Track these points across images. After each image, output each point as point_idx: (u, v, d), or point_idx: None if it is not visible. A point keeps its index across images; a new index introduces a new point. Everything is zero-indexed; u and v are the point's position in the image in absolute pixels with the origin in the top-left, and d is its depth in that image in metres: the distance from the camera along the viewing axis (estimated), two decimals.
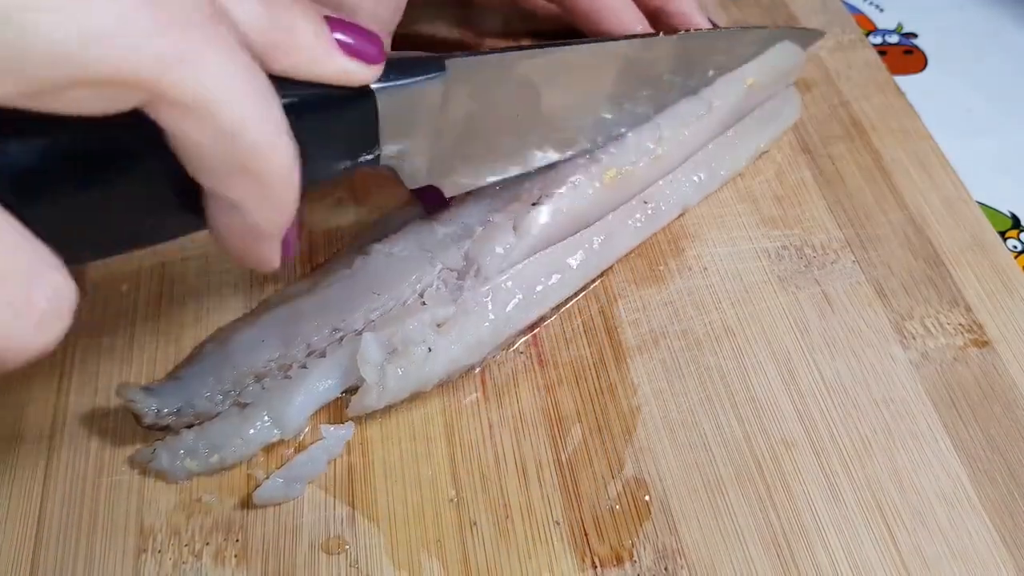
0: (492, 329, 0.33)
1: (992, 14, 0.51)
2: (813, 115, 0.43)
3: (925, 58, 0.49)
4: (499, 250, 0.34)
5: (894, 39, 0.50)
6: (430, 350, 0.32)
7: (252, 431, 0.31)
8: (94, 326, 0.37)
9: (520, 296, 0.34)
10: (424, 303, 0.33)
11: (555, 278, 0.35)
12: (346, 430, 0.33)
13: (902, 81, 0.45)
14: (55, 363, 0.36)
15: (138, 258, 0.39)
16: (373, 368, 0.31)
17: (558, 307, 0.36)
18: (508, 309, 0.34)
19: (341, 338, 0.33)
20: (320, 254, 0.39)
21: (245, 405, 0.32)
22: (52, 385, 0.35)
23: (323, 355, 0.33)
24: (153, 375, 0.35)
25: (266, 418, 0.32)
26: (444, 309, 0.33)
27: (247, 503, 0.32)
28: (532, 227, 0.35)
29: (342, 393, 0.33)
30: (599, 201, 0.36)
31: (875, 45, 0.49)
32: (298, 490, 0.32)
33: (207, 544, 0.31)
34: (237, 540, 0.31)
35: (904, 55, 0.50)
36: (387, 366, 0.31)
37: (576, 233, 0.36)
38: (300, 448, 0.32)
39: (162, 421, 0.32)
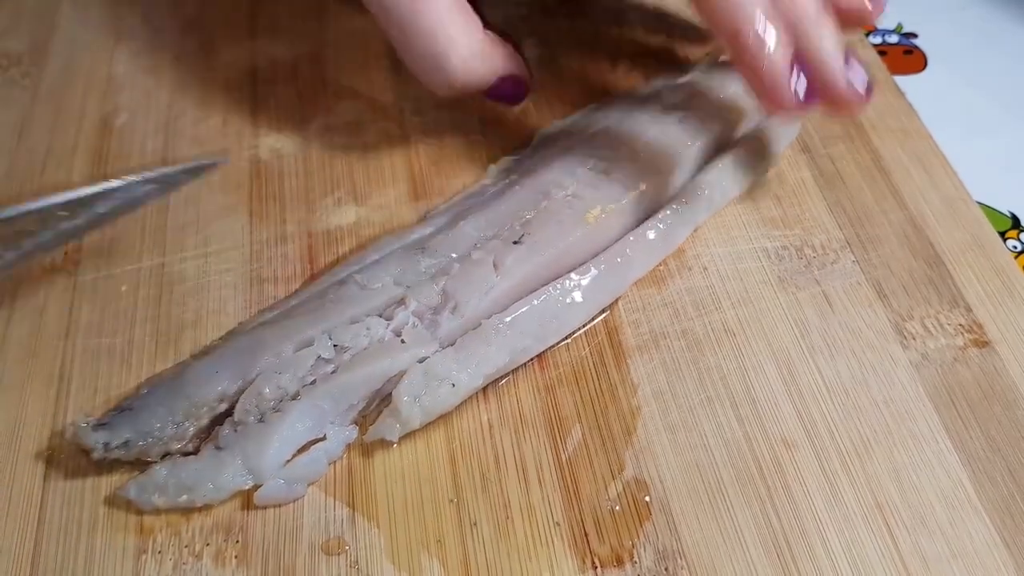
0: (511, 359, 0.33)
1: (992, 14, 0.51)
2: (813, 115, 0.43)
3: (925, 58, 0.49)
4: (478, 289, 0.34)
5: (894, 39, 0.50)
6: (453, 385, 0.32)
7: (225, 477, 0.31)
8: (94, 326, 0.37)
9: (537, 327, 0.34)
10: (403, 341, 0.33)
11: (574, 307, 0.35)
12: (348, 432, 0.33)
13: (902, 81, 0.45)
14: (55, 363, 0.36)
15: (138, 258, 0.39)
16: (409, 404, 0.32)
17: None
18: (527, 343, 0.34)
19: (313, 381, 0.32)
20: (321, 255, 0.39)
21: (220, 448, 0.31)
22: (52, 385, 0.35)
23: (296, 397, 0.32)
24: (152, 375, 0.35)
25: (239, 464, 0.31)
26: (426, 347, 0.33)
27: (247, 504, 0.32)
28: (514, 266, 0.34)
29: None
30: (583, 239, 0.36)
31: (875, 45, 0.49)
32: (299, 491, 0.32)
33: (207, 545, 0.31)
34: (237, 541, 0.31)
35: (904, 55, 0.50)
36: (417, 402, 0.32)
37: (560, 275, 0.35)
38: (301, 449, 0.32)
39: (111, 455, 0.31)
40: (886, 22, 0.51)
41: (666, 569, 0.30)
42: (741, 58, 0.30)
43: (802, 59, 0.30)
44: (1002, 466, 0.32)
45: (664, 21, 0.48)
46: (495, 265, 0.34)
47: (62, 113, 0.45)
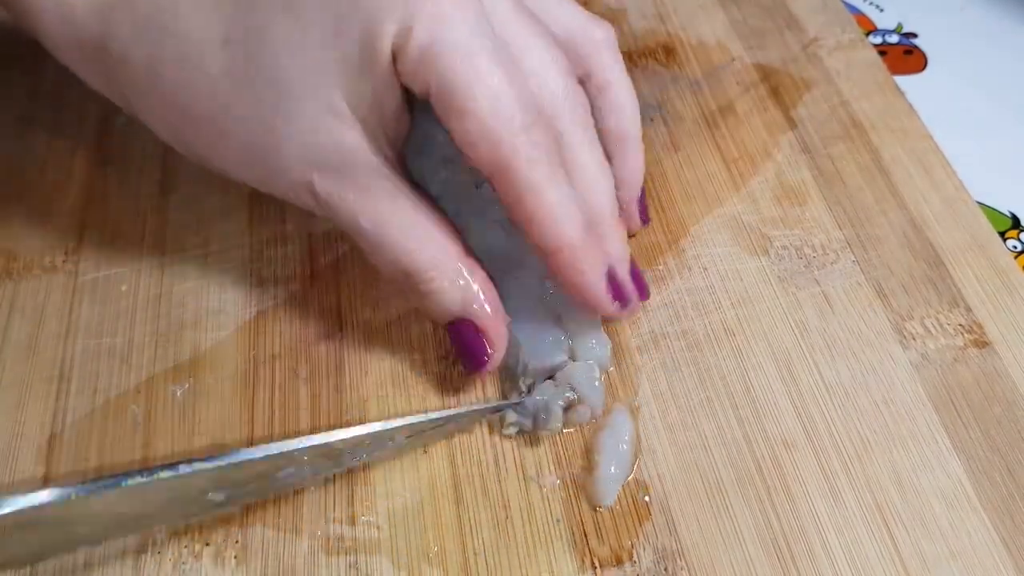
0: None
1: (992, 14, 0.51)
2: (813, 115, 0.43)
3: (925, 58, 0.49)
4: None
5: (894, 39, 0.50)
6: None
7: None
8: (94, 326, 0.37)
9: None
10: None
11: None
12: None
13: (902, 81, 0.45)
14: (55, 363, 0.36)
15: (138, 258, 0.39)
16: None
17: None
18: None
19: None
20: (320, 255, 0.39)
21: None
22: (52, 385, 0.35)
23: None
24: (152, 376, 0.35)
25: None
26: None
27: (247, 504, 0.32)
28: None
29: None
30: None
31: (875, 45, 0.49)
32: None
33: (207, 545, 0.31)
34: (237, 541, 0.31)
35: (904, 55, 0.50)
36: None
37: None
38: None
39: None
40: (886, 22, 0.51)
41: (665, 569, 0.30)
42: (560, 274, 0.32)
43: (611, 275, 0.33)
44: (1001, 466, 0.32)
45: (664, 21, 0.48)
46: None
47: (62, 113, 0.45)
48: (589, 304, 0.32)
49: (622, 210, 0.35)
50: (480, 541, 0.31)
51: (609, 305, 0.32)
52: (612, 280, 0.32)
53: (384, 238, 0.31)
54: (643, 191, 0.37)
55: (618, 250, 0.33)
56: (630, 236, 0.37)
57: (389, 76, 0.29)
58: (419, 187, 0.33)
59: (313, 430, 0.34)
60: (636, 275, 0.34)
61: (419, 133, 0.34)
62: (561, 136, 0.31)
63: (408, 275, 0.31)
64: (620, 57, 0.36)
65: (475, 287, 0.32)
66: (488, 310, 0.32)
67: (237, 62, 0.30)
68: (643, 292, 0.34)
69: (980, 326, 0.35)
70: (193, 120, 0.31)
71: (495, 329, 0.32)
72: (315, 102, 0.30)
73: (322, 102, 0.30)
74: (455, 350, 0.33)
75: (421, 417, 0.32)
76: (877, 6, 0.52)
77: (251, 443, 0.33)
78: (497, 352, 0.32)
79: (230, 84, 0.30)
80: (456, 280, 0.31)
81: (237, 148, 0.31)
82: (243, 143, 0.31)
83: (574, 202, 0.31)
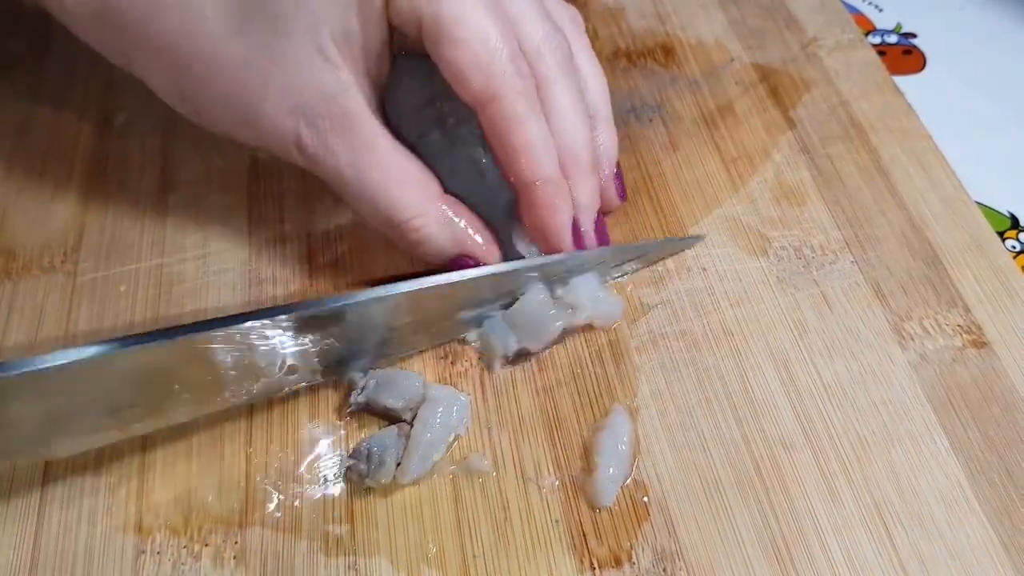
0: None
1: (992, 14, 0.51)
2: (812, 115, 0.43)
3: (924, 58, 0.49)
4: None
5: (893, 39, 0.50)
6: None
7: None
8: (94, 326, 0.37)
9: None
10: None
11: None
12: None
13: (901, 81, 0.45)
14: None
15: (137, 258, 0.39)
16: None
17: None
18: None
19: None
20: (319, 255, 0.39)
21: None
22: None
23: None
24: None
25: None
26: None
27: (246, 503, 0.32)
28: None
29: None
30: None
31: (874, 45, 0.49)
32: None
33: (206, 545, 0.31)
34: (236, 541, 0.31)
35: (903, 55, 0.50)
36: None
37: None
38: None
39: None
40: (885, 22, 0.51)
41: (664, 570, 0.30)
42: (531, 210, 0.34)
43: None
44: (1000, 467, 0.32)
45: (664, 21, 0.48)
46: None
47: (62, 113, 0.45)
48: (552, 244, 0.34)
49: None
50: (479, 542, 0.31)
51: (570, 246, 0.34)
52: (576, 228, 0.34)
53: (366, 186, 0.33)
54: (619, 168, 0.38)
55: (589, 197, 0.35)
56: (606, 214, 0.38)
57: (379, 15, 0.31)
58: (397, 134, 0.34)
59: (313, 430, 0.34)
60: (600, 225, 0.36)
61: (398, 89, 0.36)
62: (543, 79, 0.33)
63: (394, 225, 0.33)
64: (587, 40, 0.37)
65: (462, 224, 0.34)
66: (480, 241, 0.34)
67: (233, 4, 0.31)
68: (604, 241, 0.36)
69: (979, 326, 0.35)
70: (191, 70, 0.33)
71: (491, 255, 0.35)
72: (303, 42, 0.31)
73: (310, 42, 0.31)
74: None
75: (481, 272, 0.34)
76: (876, 6, 0.52)
77: (249, 443, 0.33)
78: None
79: (226, 27, 0.32)
80: (442, 222, 0.33)
81: (231, 97, 0.33)
82: (237, 91, 0.32)
83: (552, 141, 0.33)
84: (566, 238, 0.34)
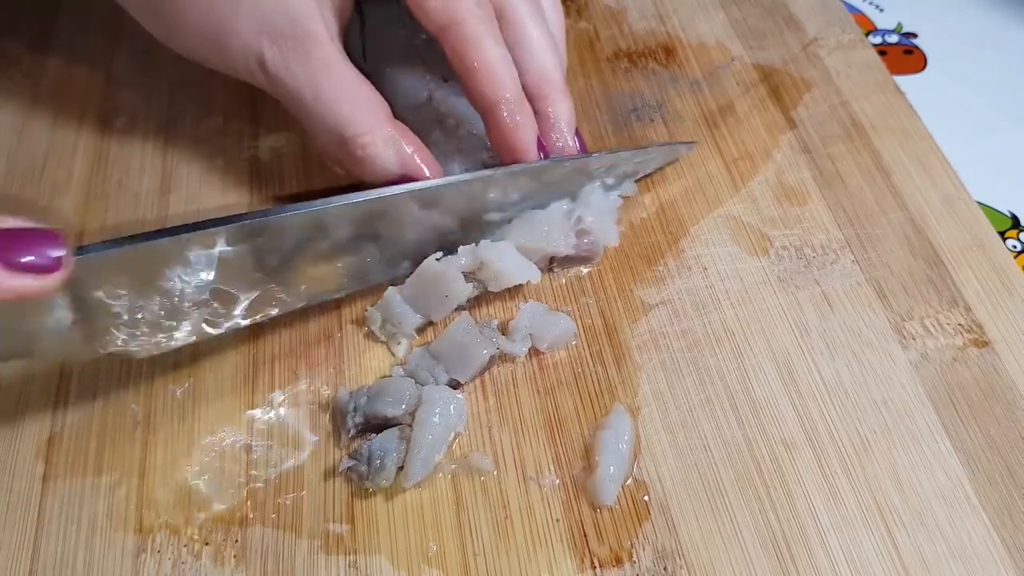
0: None
1: (992, 14, 0.51)
2: (813, 115, 0.43)
3: (925, 58, 0.49)
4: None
5: (894, 39, 0.50)
6: None
7: None
8: None
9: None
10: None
11: None
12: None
13: (902, 81, 0.45)
14: (55, 364, 0.36)
15: None
16: None
17: None
18: None
19: None
20: None
21: None
22: (52, 386, 0.35)
23: None
24: (152, 376, 0.35)
25: None
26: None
27: (246, 503, 0.32)
28: None
29: None
30: None
31: (875, 45, 0.49)
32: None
33: (206, 544, 0.31)
34: (236, 540, 0.31)
35: (904, 55, 0.49)
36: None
37: None
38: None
39: None
40: (886, 22, 0.51)
41: (665, 569, 0.30)
42: (496, 129, 0.35)
43: (543, 124, 0.37)
44: (1001, 466, 0.32)
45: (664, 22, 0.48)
46: None
47: (62, 113, 0.45)
48: (518, 158, 0.36)
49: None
50: (479, 541, 0.31)
51: (536, 158, 0.36)
52: (546, 142, 0.36)
53: (322, 105, 0.34)
54: (579, 132, 0.38)
55: (566, 111, 0.37)
56: None
57: None
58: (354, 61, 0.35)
59: (313, 430, 0.34)
60: (579, 136, 0.38)
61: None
62: (507, 9, 0.36)
63: (344, 141, 0.34)
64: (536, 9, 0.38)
65: (408, 148, 0.35)
66: (423, 168, 0.35)
67: None
68: (583, 150, 0.38)
69: (980, 326, 0.35)
70: None
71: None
72: None
73: None
74: None
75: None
76: (877, 6, 0.52)
77: (249, 443, 0.33)
78: None
79: None
80: (388, 142, 0.34)
81: (204, 17, 0.35)
82: (209, 11, 0.34)
83: (512, 66, 0.35)
84: (531, 153, 0.35)
